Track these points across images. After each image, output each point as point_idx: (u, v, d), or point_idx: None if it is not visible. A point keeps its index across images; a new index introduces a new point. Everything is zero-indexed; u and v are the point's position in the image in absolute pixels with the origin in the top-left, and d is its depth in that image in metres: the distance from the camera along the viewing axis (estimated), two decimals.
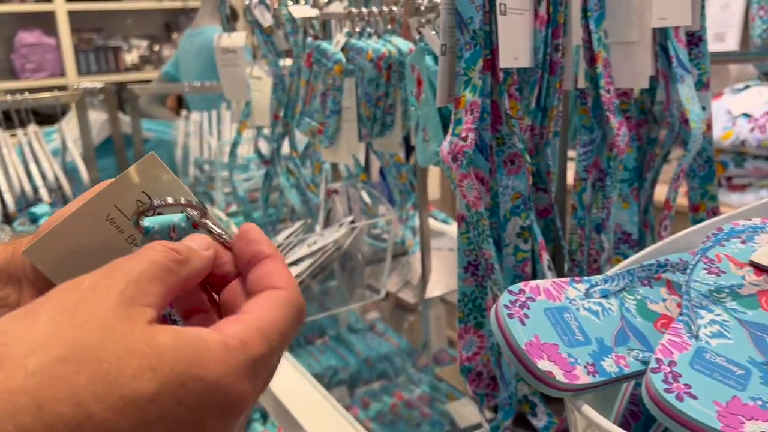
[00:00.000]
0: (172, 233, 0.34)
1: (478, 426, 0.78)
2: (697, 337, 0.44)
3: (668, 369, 0.41)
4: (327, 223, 1.08)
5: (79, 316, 0.24)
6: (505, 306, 0.46)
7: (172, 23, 4.00)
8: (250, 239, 0.33)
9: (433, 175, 2.44)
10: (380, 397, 1.19)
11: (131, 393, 0.23)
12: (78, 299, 0.25)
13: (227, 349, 0.26)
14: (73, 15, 3.50)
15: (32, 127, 1.61)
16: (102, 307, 0.25)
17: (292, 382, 0.85)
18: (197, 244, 0.32)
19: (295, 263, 0.98)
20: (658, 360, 0.42)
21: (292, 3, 1.09)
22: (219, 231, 0.35)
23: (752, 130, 1.57)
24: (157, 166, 0.36)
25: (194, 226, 0.35)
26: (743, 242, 0.52)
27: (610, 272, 0.52)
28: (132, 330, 0.24)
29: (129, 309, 0.25)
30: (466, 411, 1.04)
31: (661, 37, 0.67)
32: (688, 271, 0.47)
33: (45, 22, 3.50)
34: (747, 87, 1.67)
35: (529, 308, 0.46)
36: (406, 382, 1.24)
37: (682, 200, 0.71)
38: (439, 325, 1.31)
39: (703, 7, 0.68)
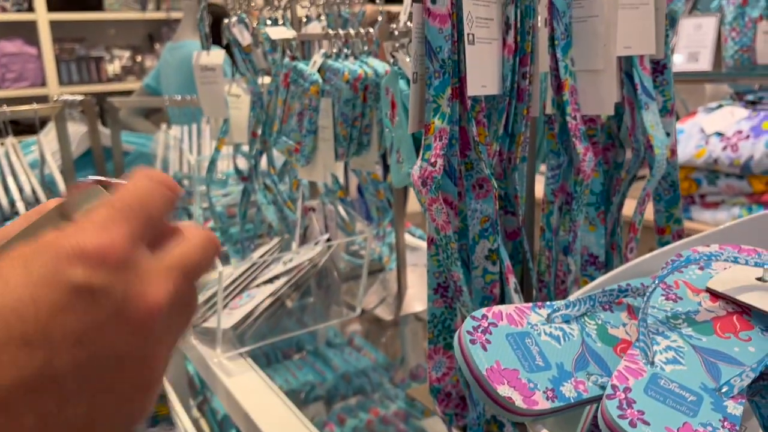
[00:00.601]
0: None
1: None
2: (652, 363, 0.45)
3: (623, 395, 0.42)
4: (304, 240, 1.09)
5: None
6: (468, 332, 0.47)
7: (154, 34, 3.99)
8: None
9: None
10: (356, 413, 1.20)
11: None
12: None
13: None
14: (54, 24, 3.49)
15: (10, 139, 1.61)
16: None
17: (265, 401, 0.86)
18: None
19: (270, 281, 0.99)
20: (613, 386, 0.43)
21: (270, 23, 1.10)
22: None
23: (724, 148, 1.60)
24: (99, 194, 0.35)
25: None
26: (701, 268, 0.54)
27: (572, 297, 0.53)
28: None
29: None
30: (440, 428, 1.05)
31: (627, 65, 0.68)
32: (645, 297, 0.48)
33: (26, 31, 3.48)
34: (720, 106, 1.70)
35: (491, 334, 0.48)
36: (383, 398, 1.24)
37: (651, 215, 0.73)
38: (416, 341, 1.32)
39: (667, 36, 0.70)
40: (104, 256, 0.26)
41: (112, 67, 3.83)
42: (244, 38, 1.12)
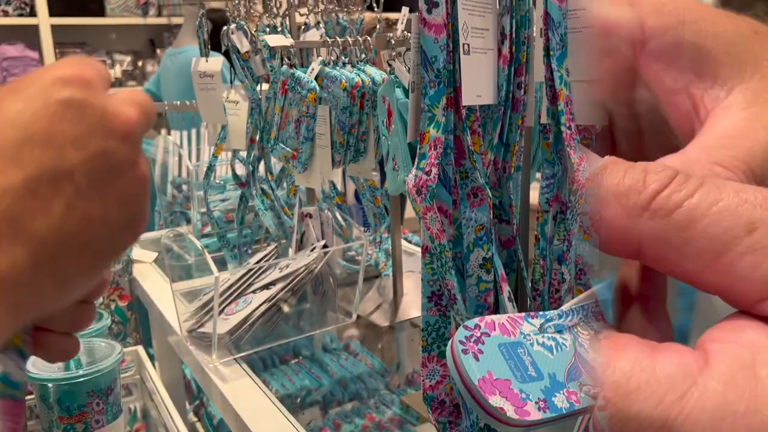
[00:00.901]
0: None
1: None
2: None
3: None
4: (300, 246, 1.09)
5: None
6: (460, 342, 0.47)
7: (156, 39, 4.00)
8: None
9: None
10: (352, 419, 1.20)
11: None
12: None
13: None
14: (56, 29, 3.49)
15: None
16: None
17: (260, 407, 0.86)
18: None
19: (267, 286, 0.99)
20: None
21: (269, 30, 1.10)
22: None
23: None
24: None
25: None
26: None
27: (565, 307, 0.53)
28: None
29: None
30: None
31: None
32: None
33: (28, 35, 3.49)
34: None
35: (483, 344, 0.48)
36: (378, 404, 1.24)
37: None
38: (412, 347, 1.32)
39: None
40: (78, 78, 0.30)
41: (113, 72, 3.84)
42: (243, 45, 1.12)
